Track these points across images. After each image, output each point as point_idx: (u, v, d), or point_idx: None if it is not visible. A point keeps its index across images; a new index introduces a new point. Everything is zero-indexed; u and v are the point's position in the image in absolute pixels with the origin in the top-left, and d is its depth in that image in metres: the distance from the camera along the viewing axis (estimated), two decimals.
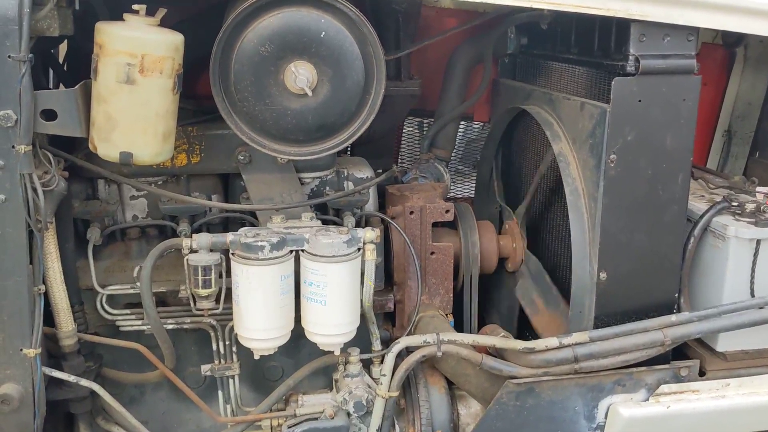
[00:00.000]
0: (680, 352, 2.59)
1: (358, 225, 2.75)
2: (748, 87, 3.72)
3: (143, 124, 2.08)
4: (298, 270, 2.33)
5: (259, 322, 2.27)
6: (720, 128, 3.80)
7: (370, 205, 2.81)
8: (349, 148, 3.39)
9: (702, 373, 2.52)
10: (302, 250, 2.31)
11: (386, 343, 2.85)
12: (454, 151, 3.64)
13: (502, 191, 3.33)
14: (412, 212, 2.72)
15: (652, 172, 2.39)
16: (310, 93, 2.14)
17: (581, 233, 2.48)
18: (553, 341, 2.40)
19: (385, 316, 2.87)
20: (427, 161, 3.22)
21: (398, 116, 3.20)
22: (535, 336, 2.79)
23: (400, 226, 2.72)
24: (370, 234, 2.34)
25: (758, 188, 2.82)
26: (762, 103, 3.71)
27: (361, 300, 2.41)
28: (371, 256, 2.34)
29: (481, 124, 3.57)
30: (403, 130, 3.55)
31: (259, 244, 2.22)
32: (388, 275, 2.84)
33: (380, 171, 3.10)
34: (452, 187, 3.74)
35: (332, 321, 2.31)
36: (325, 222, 2.70)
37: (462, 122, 3.55)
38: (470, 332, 2.89)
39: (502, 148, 3.37)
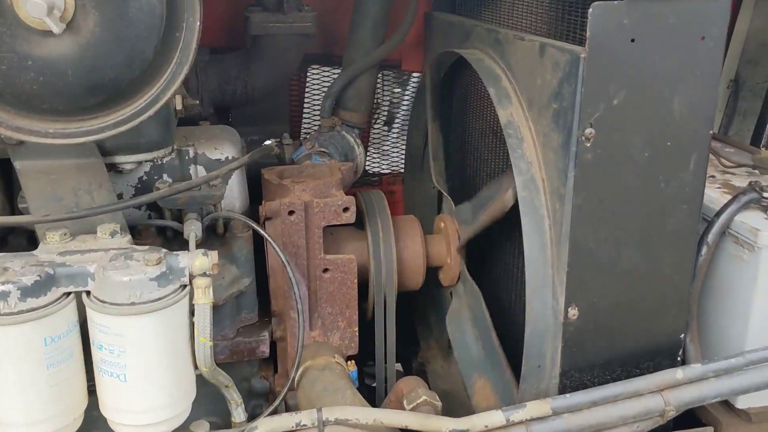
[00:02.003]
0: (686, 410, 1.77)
1: (213, 231, 1.86)
2: (763, 23, 2.85)
3: None
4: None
5: (13, 413, 1.39)
6: (724, 77, 2.95)
7: (236, 200, 1.91)
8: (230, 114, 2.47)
9: None
10: (87, 293, 1.41)
11: (264, 396, 2.00)
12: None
13: (441, 168, 2.42)
14: (291, 212, 1.82)
15: (649, 155, 1.55)
16: (57, 29, 1.20)
17: (540, 249, 1.62)
18: (496, 417, 1.57)
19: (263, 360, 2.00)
20: (331, 129, 2.30)
21: (286, 65, 2.29)
22: None
23: (276, 232, 1.84)
24: (201, 262, 1.45)
25: None
26: None
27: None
28: (204, 297, 1.45)
29: None
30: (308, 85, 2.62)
31: (1, 288, 1.31)
32: (264, 301, 1.96)
33: (271, 141, 2.22)
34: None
35: (139, 405, 1.44)
36: (161, 231, 1.81)
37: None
38: (385, 382, 2.04)
39: (439, 107, 2.47)
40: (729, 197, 1.86)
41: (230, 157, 1.88)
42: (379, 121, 2.88)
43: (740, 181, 2.04)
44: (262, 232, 1.76)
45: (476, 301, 1.94)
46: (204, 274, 1.46)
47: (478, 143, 2.24)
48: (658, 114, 1.51)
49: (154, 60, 1.33)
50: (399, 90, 2.84)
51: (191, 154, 1.83)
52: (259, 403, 2.01)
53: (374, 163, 2.92)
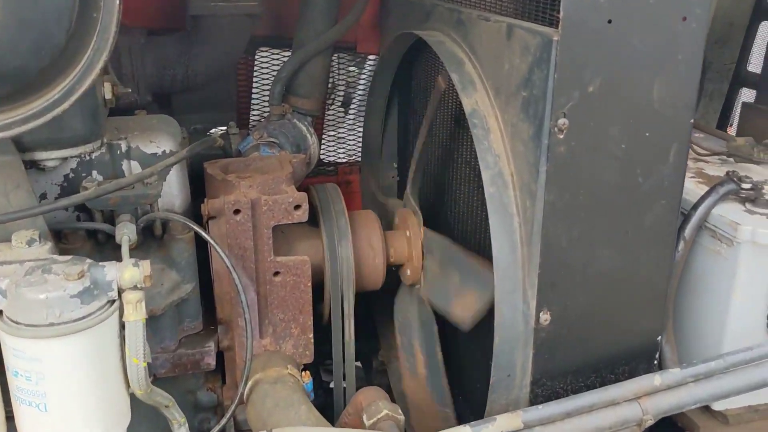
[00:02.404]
0: None
1: (151, 233, 1.68)
2: (730, 2, 2.76)
3: None
4: None
5: None
6: None
7: (175, 199, 1.73)
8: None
9: None
10: None
11: (211, 409, 1.85)
12: None
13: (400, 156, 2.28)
14: (237, 210, 1.66)
15: (627, 146, 1.43)
16: None
17: (509, 249, 1.49)
18: None
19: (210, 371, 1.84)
20: (281, 117, 2.13)
21: (232, 48, 2.11)
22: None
23: (220, 233, 1.67)
24: (131, 274, 1.28)
25: None
26: (747, 24, 2.75)
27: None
28: (135, 314, 1.29)
29: None
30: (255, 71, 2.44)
31: None
32: (210, 306, 1.80)
33: (217, 131, 2.05)
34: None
35: None
36: (92, 234, 1.63)
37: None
38: (343, 393, 1.90)
39: (398, 92, 2.33)
40: (704, 187, 1.76)
41: (168, 151, 1.70)
42: (335, 102, 2.71)
43: (714, 170, 1.94)
44: (203, 234, 1.59)
45: (429, 323, 1.83)
46: (135, 287, 1.29)
47: (441, 132, 2.10)
48: (637, 102, 1.39)
49: (68, 45, 1.15)
50: (355, 69, 2.68)
51: (123, 148, 1.65)
52: (206, 416, 1.85)
53: (330, 151, 2.76)
